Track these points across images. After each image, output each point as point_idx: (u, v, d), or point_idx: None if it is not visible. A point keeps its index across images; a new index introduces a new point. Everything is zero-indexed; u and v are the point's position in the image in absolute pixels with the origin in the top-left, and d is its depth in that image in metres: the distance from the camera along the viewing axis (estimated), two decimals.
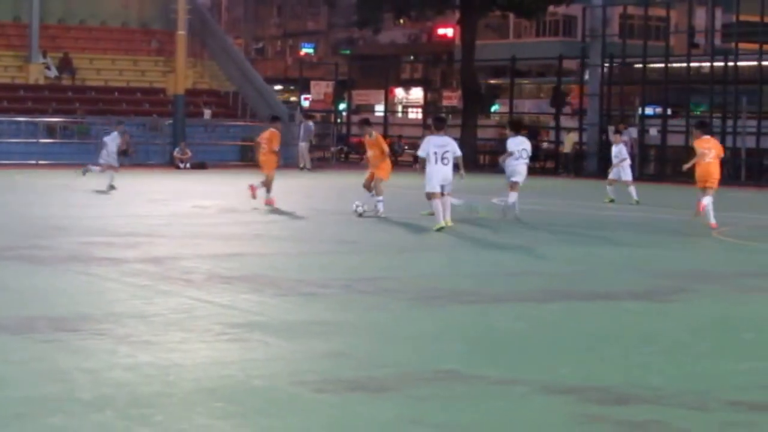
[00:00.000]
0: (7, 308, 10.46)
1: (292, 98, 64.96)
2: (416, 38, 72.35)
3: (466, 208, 20.83)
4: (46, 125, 40.18)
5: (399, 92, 62.48)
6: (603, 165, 41.79)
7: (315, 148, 44.84)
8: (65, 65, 44.89)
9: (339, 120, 53.01)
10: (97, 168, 28.41)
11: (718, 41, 42.07)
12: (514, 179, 21.11)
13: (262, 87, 47.47)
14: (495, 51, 54.08)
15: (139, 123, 42.86)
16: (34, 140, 39.35)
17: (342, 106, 55.97)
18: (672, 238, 19.02)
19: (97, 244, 15.69)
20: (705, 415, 7.09)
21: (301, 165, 40.75)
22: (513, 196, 21.09)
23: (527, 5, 44.94)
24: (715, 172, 19.87)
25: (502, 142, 47.21)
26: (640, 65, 41.79)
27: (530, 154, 21.85)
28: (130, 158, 40.93)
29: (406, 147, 48.37)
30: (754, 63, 39.41)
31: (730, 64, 39.39)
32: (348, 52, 72.81)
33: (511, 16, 54.36)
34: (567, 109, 46.46)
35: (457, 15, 49.56)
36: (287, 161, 41.03)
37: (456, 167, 18.95)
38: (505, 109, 48.68)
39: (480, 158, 46.75)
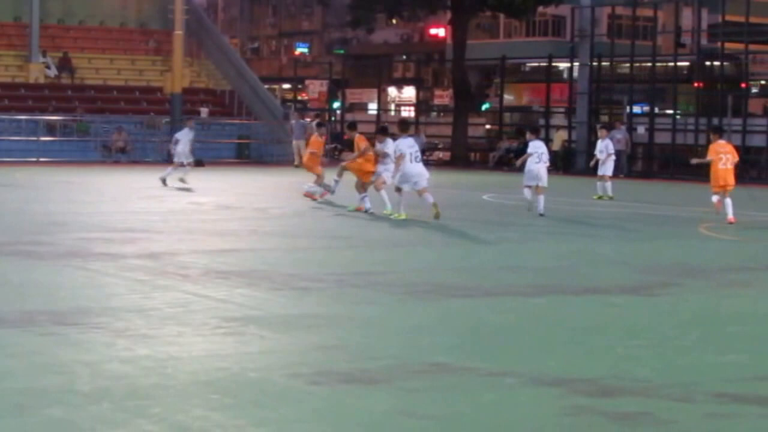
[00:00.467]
0: (8, 302, 10.53)
1: (298, 97, 65.14)
2: (408, 38, 72.34)
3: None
4: (46, 123, 40.22)
5: (392, 91, 62.54)
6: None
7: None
8: (65, 64, 44.95)
9: (333, 118, 53.11)
10: (170, 169, 28.08)
11: (704, 41, 42.27)
12: (540, 183, 21.53)
13: (258, 86, 47.58)
14: (486, 50, 54.21)
15: (137, 121, 42.99)
16: (35, 138, 39.39)
17: (336, 104, 56.10)
18: (659, 233, 19.12)
19: (95, 239, 15.75)
20: (690, 406, 7.15)
21: (296, 163, 40.82)
22: (539, 199, 21.48)
23: (517, 6, 45.09)
24: (732, 177, 20.85)
25: (491, 140, 47.77)
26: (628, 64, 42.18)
27: (548, 156, 22.41)
28: (127, 156, 41.10)
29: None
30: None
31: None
32: (342, 51, 72.79)
33: (502, 16, 54.45)
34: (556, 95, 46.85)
35: (449, 15, 49.66)
36: (281, 159, 41.18)
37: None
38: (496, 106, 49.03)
39: (471, 156, 46.91)
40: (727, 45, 40.56)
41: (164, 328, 9.41)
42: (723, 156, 20.77)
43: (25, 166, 36.28)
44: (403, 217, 19.74)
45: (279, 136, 44.52)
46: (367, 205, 20.89)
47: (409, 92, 62.12)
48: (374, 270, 13.48)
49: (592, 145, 41.69)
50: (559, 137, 43.30)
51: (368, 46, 70.87)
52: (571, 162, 42.22)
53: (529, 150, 21.96)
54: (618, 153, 39.28)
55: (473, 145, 48.13)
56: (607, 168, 26.86)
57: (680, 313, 10.96)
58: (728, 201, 20.50)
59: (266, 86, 61.77)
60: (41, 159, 38.22)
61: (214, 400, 7.02)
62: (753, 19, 38.77)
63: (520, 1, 44.51)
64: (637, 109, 43.28)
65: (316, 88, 54.99)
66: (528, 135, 23.47)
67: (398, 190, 20.03)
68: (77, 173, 30.06)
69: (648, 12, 45.84)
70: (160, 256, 14.09)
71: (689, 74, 44.89)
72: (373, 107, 57.10)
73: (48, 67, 44.62)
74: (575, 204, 25.16)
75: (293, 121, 43.48)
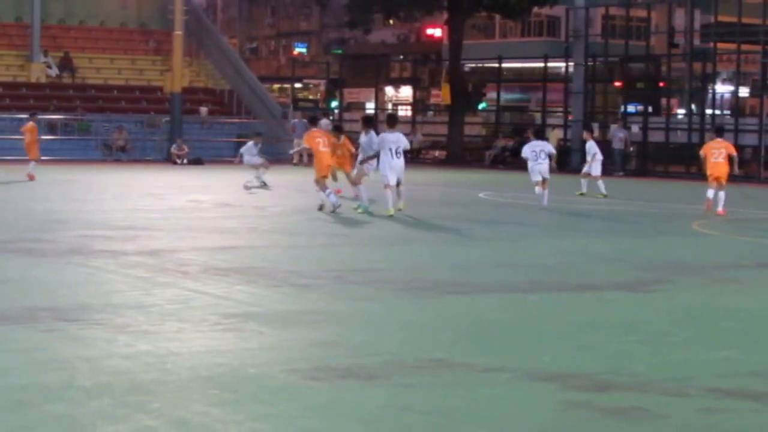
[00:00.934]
0: (10, 299, 10.58)
1: (310, 96, 65.28)
2: (405, 38, 72.36)
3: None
4: (47, 122, 40.29)
5: (389, 90, 62.65)
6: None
7: None
8: (66, 64, 45.03)
9: (331, 117, 53.26)
10: (255, 181, 27.69)
11: (697, 41, 42.46)
12: (536, 178, 22.66)
13: (256, 85, 47.67)
14: (481, 50, 54.34)
15: (137, 120, 43.09)
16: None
17: (334, 103, 56.19)
18: (653, 230, 19.18)
19: (96, 237, 15.82)
20: (684, 401, 7.20)
21: (295, 161, 40.92)
22: (544, 194, 22.52)
23: (512, 6, 45.23)
24: (723, 169, 21.98)
25: (487, 138, 47.89)
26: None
27: (550, 152, 23.34)
28: (128, 154, 41.17)
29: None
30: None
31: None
32: (339, 51, 72.78)
33: (497, 16, 54.57)
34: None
35: (445, 16, 49.81)
36: (279, 157, 41.21)
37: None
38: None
39: (467, 154, 47.00)
40: (720, 45, 40.74)
41: (164, 324, 9.47)
42: (716, 151, 22.22)
43: (26, 164, 36.28)
44: (391, 213, 20.10)
45: (278, 135, 44.61)
46: (333, 199, 20.98)
47: (406, 92, 62.17)
48: (372, 267, 13.54)
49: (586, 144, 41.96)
50: (555, 136, 43.47)
51: (365, 46, 70.93)
52: (566, 160, 42.38)
53: (525, 153, 23.07)
54: (620, 152, 39.61)
55: (469, 143, 48.25)
56: (595, 167, 27.16)
57: (674, 310, 11.00)
58: (721, 194, 21.60)
59: (278, 85, 62.01)
60: (42, 158, 38.20)
61: (213, 396, 7.06)
62: (745, 20, 38.90)
63: (516, 1, 44.70)
64: (631, 108, 43.61)
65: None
66: (530, 135, 24.61)
67: (386, 186, 20.50)
68: (78, 172, 30.14)
69: (641, 12, 46.05)
70: (160, 253, 14.15)
71: (611, 74, 46.40)
72: (370, 106, 57.19)
73: (49, 67, 44.70)
74: (570, 202, 25.21)
75: (296, 120, 43.65)
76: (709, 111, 40.86)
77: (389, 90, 64.37)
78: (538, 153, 22.91)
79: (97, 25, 48.62)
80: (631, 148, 40.79)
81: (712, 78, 41.00)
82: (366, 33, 58.01)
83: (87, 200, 23.02)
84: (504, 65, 49.70)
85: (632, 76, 44.73)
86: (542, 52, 47.10)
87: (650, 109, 41.47)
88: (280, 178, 29.78)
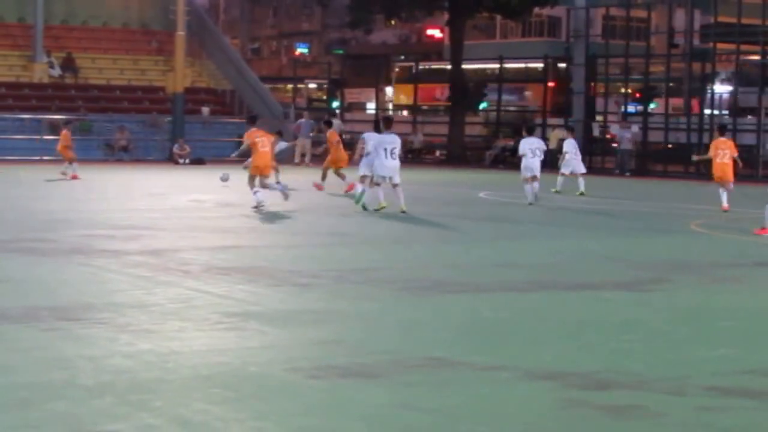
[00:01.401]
0: (12, 298, 10.60)
1: (323, 96, 65.39)
2: (406, 39, 72.51)
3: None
4: (49, 122, 40.36)
5: (389, 90, 62.82)
6: (587, 160, 42.35)
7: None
8: (68, 64, 45.06)
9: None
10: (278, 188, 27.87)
11: (696, 41, 42.54)
12: (528, 174, 23.68)
13: (258, 85, 47.71)
14: (482, 51, 54.44)
15: (140, 120, 43.13)
16: (38, 137, 39.49)
17: (335, 103, 56.26)
18: (651, 230, 19.20)
19: (98, 236, 15.85)
20: (682, 399, 7.23)
21: (297, 160, 41.00)
22: (534, 187, 23.73)
23: (513, 7, 45.30)
24: (729, 169, 22.46)
25: (488, 139, 48.01)
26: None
27: (544, 149, 24.78)
28: (130, 154, 41.22)
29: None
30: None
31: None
32: (341, 51, 72.92)
33: (498, 17, 54.65)
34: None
35: (446, 16, 49.88)
36: (282, 157, 41.20)
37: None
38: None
39: (468, 154, 47.06)
40: (719, 45, 40.79)
41: (166, 323, 9.50)
42: (721, 152, 22.45)
43: (28, 164, 36.41)
44: (384, 205, 20.69)
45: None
46: (260, 197, 21.06)
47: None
48: (372, 266, 13.59)
49: (588, 144, 42.12)
50: (555, 136, 43.51)
51: (367, 46, 71.02)
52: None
53: (523, 148, 23.92)
54: (627, 152, 39.67)
55: (470, 143, 48.31)
56: (575, 165, 27.51)
57: (672, 309, 11.04)
58: (725, 192, 22.16)
59: (291, 86, 61.98)
60: (44, 157, 38.31)
61: (215, 394, 7.08)
62: (745, 20, 38.97)
63: (516, 2, 44.76)
64: (631, 108, 43.73)
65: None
66: (523, 133, 25.46)
67: (376, 184, 21.21)
68: (80, 171, 30.12)
69: (641, 13, 46.16)
70: (162, 252, 14.19)
71: (544, 74, 47.32)
72: (371, 107, 57.27)
73: (52, 67, 44.75)
74: (569, 201, 25.25)
75: (302, 120, 43.75)
76: (707, 111, 40.95)
77: (390, 90, 64.47)
78: (534, 150, 23.91)
79: (100, 25, 48.65)
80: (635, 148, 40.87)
81: (711, 78, 41.04)
82: (367, 33, 58.11)
83: (89, 200, 23.05)
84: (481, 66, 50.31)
85: (567, 76, 45.84)
86: (543, 53, 47.22)
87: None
88: (282, 177, 29.76)
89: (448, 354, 8.44)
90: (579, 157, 28.00)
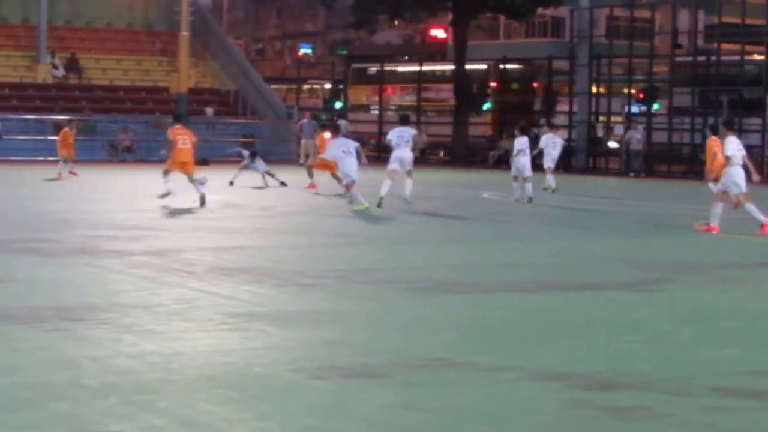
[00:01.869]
0: (16, 299, 10.61)
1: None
2: (410, 39, 72.58)
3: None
4: (53, 123, 40.42)
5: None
6: (591, 161, 42.43)
7: None
8: (72, 65, 45.14)
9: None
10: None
11: (700, 42, 42.52)
12: (525, 174, 24.34)
13: (262, 86, 47.76)
14: (486, 51, 54.48)
15: (143, 121, 43.17)
16: (42, 137, 39.56)
17: (338, 104, 56.37)
18: (655, 230, 19.20)
19: (102, 237, 15.87)
20: (687, 400, 7.22)
21: (302, 161, 41.03)
22: (526, 187, 24.37)
23: (517, 7, 45.36)
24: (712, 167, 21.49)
25: (491, 139, 48.23)
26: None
27: (530, 149, 25.26)
28: (134, 154, 41.26)
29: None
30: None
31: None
32: (345, 52, 73.00)
33: (502, 17, 54.69)
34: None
35: (450, 16, 49.92)
36: (285, 157, 41.31)
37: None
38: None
39: (471, 154, 47.10)
40: (723, 46, 40.79)
41: (170, 323, 9.50)
42: (716, 150, 21.97)
43: (32, 164, 36.46)
44: (365, 205, 20.86)
45: (283, 135, 44.72)
46: (201, 190, 21.69)
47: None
48: (376, 267, 13.59)
49: (591, 144, 42.20)
50: (559, 136, 43.49)
51: (370, 47, 71.11)
52: (570, 161, 42.46)
53: (517, 147, 24.65)
54: (636, 152, 39.69)
55: (473, 144, 48.37)
56: (547, 160, 27.81)
57: (676, 309, 11.04)
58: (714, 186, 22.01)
59: (308, 86, 62.12)
60: (49, 158, 38.36)
61: (219, 395, 7.08)
62: (749, 21, 38.99)
63: (520, 2, 44.80)
64: (635, 109, 43.78)
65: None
66: (516, 132, 26.11)
67: (390, 174, 22.24)
68: (84, 172, 30.20)
69: (645, 13, 46.22)
70: (166, 253, 14.20)
71: (486, 75, 48.84)
72: (375, 107, 57.33)
73: (56, 68, 44.81)
74: (573, 201, 25.27)
75: (305, 121, 43.79)
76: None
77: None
78: (524, 150, 24.69)
79: (104, 26, 48.73)
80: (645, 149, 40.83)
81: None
82: (371, 34, 58.12)
83: (93, 200, 23.08)
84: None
85: (509, 77, 47.57)
86: (546, 53, 47.25)
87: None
88: (286, 178, 29.80)
89: (452, 354, 8.44)
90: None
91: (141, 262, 13.29)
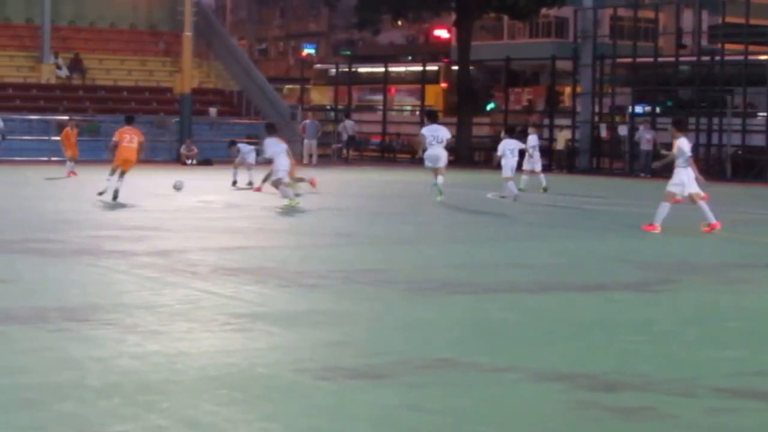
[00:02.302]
0: (20, 299, 10.62)
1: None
2: (414, 39, 72.62)
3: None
4: (57, 123, 40.45)
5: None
6: (595, 161, 42.44)
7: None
8: (76, 65, 45.16)
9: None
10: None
11: (704, 42, 42.50)
12: (508, 174, 25.20)
13: (265, 86, 47.79)
14: (490, 52, 54.49)
15: (147, 121, 43.12)
16: (46, 137, 39.58)
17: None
18: (662, 231, 19.17)
19: (106, 237, 15.89)
20: (691, 401, 7.21)
21: (305, 161, 41.11)
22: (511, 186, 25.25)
23: (521, 7, 45.36)
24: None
25: (495, 140, 48.44)
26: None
27: (521, 149, 26.38)
28: (138, 155, 41.23)
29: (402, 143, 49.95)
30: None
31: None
32: (348, 52, 73.03)
33: (506, 18, 54.67)
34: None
35: (453, 17, 49.93)
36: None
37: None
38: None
39: (475, 155, 47.10)
40: (727, 46, 40.79)
41: (174, 324, 9.50)
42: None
43: (36, 165, 36.49)
44: (295, 202, 21.88)
45: (287, 136, 44.68)
46: (107, 184, 23.01)
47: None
48: (379, 267, 13.59)
49: (595, 145, 42.19)
50: (563, 137, 43.52)
51: (374, 47, 71.15)
52: (574, 161, 42.48)
53: (502, 149, 25.42)
54: (647, 153, 39.68)
55: (478, 144, 48.41)
56: (535, 163, 28.33)
57: (681, 310, 11.04)
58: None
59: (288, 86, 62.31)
60: (52, 158, 38.41)
61: (223, 395, 7.08)
62: (753, 21, 38.98)
63: (524, 3, 44.80)
64: (639, 109, 43.73)
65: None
66: (502, 134, 26.93)
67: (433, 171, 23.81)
68: (87, 172, 30.18)
69: (649, 14, 46.17)
70: (169, 253, 14.21)
71: (437, 76, 50.04)
72: (378, 107, 57.44)
73: (59, 68, 44.84)
74: (576, 202, 25.26)
75: (307, 121, 43.89)
76: None
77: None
78: (512, 150, 25.59)
79: (107, 26, 48.76)
80: (663, 150, 40.69)
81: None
82: (375, 34, 58.18)
83: (96, 200, 23.07)
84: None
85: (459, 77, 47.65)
86: (550, 53, 47.21)
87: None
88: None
89: (455, 355, 8.43)
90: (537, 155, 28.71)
91: (144, 263, 13.29)
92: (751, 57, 39.56)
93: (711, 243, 17.64)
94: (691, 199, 18.49)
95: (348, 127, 46.85)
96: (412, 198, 25.50)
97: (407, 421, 6.67)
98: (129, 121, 25.47)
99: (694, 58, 41.58)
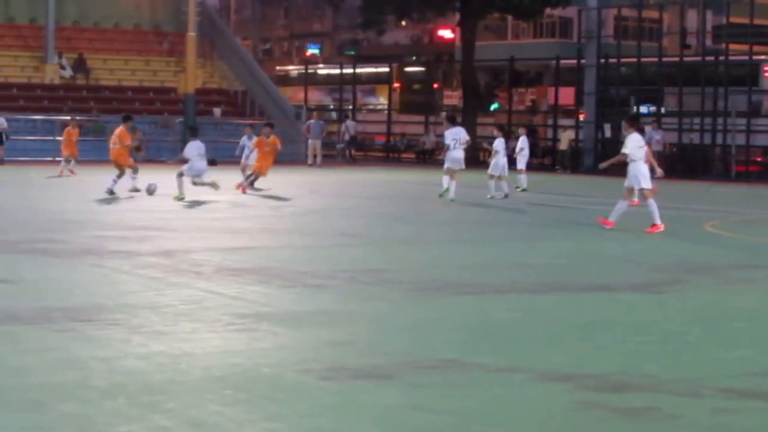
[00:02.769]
0: (24, 299, 10.62)
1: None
2: (418, 39, 72.66)
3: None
4: (61, 123, 40.46)
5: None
6: (599, 161, 42.35)
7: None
8: (80, 65, 45.19)
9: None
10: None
11: (709, 42, 42.45)
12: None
13: (270, 86, 47.79)
14: (494, 51, 54.50)
15: (151, 121, 43.21)
16: (50, 138, 39.60)
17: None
18: (665, 231, 19.11)
19: (110, 237, 15.90)
20: (697, 401, 7.21)
21: (309, 162, 41.09)
22: (501, 185, 25.91)
23: (525, 7, 45.37)
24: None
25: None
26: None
27: (467, 139, 26.77)
28: (142, 155, 41.28)
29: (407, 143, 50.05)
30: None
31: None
32: (353, 52, 73.10)
33: (510, 18, 54.70)
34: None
35: (457, 17, 49.95)
36: (294, 158, 41.34)
37: None
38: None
39: (480, 155, 47.08)
40: (732, 46, 40.78)
41: (178, 324, 9.50)
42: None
43: (40, 165, 36.50)
44: (182, 197, 22.58)
45: (291, 136, 44.70)
46: (110, 186, 23.91)
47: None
48: (384, 267, 13.59)
49: (598, 145, 42.14)
50: (567, 137, 43.49)
51: (378, 47, 71.18)
52: (578, 161, 42.42)
53: (449, 138, 25.24)
54: (656, 154, 39.64)
55: (482, 144, 48.39)
56: (520, 161, 29.05)
57: (687, 310, 11.03)
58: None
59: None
60: (57, 158, 38.42)
61: (227, 396, 7.09)
62: (757, 21, 38.97)
63: (528, 3, 44.79)
64: (644, 109, 43.75)
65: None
66: (445, 124, 27.18)
67: (447, 173, 24.36)
68: (92, 172, 30.20)
69: (653, 14, 46.20)
70: (173, 253, 14.21)
71: (388, 76, 51.01)
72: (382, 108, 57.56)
73: (63, 68, 44.87)
74: (582, 202, 25.23)
75: (311, 121, 43.87)
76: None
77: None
78: (459, 140, 25.52)
79: (111, 26, 48.80)
80: (674, 150, 40.59)
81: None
82: (379, 34, 58.31)
83: (100, 200, 23.09)
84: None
85: (411, 78, 49.71)
86: (554, 53, 47.24)
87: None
88: (293, 178, 29.83)
89: (461, 355, 8.43)
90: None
91: (149, 263, 13.30)
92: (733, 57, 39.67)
93: (716, 244, 17.62)
94: (643, 195, 18.56)
95: (350, 127, 46.92)
96: (416, 198, 25.51)
97: (412, 422, 6.67)
98: (124, 120, 25.76)
99: (698, 58, 41.57)
